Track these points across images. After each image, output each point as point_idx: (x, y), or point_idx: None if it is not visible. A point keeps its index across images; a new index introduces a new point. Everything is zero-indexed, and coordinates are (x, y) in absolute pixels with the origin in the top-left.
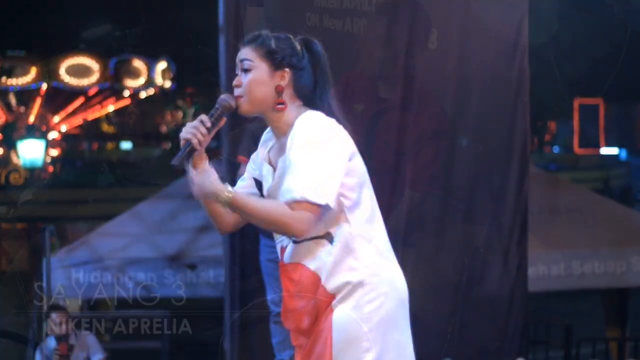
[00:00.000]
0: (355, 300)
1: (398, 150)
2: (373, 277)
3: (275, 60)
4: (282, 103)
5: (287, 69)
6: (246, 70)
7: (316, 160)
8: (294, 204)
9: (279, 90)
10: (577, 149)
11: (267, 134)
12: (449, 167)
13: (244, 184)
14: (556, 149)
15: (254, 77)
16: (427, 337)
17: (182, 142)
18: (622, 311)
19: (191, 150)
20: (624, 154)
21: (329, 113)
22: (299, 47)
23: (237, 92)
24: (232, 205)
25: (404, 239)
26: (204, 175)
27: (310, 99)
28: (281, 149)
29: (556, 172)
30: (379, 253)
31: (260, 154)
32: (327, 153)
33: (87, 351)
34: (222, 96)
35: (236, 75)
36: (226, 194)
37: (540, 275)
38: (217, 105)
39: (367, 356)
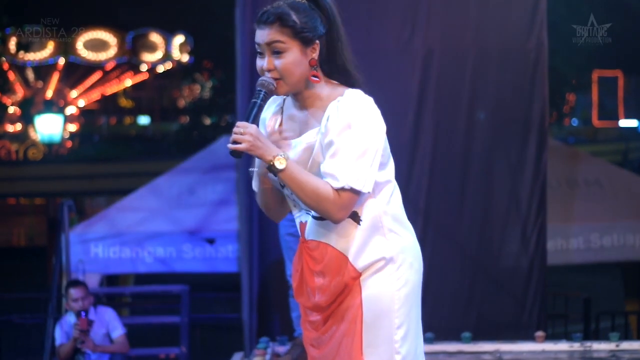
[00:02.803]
0: (385, 277)
1: (417, 123)
2: (401, 252)
3: (306, 38)
4: (317, 76)
5: (317, 42)
6: (278, 53)
7: (362, 148)
8: (339, 190)
9: (312, 65)
10: (595, 122)
11: (275, 105)
12: (467, 139)
13: None
14: (575, 122)
15: (291, 60)
16: (446, 310)
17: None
18: None
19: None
20: None
21: (344, 69)
22: (315, 13)
23: (271, 75)
24: (286, 169)
25: (425, 213)
26: (262, 135)
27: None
28: (307, 122)
29: (575, 144)
30: (402, 225)
31: (269, 125)
32: (371, 140)
33: (106, 326)
34: (263, 79)
35: (259, 53)
36: (282, 156)
37: (559, 248)
38: (259, 88)
39: (399, 332)
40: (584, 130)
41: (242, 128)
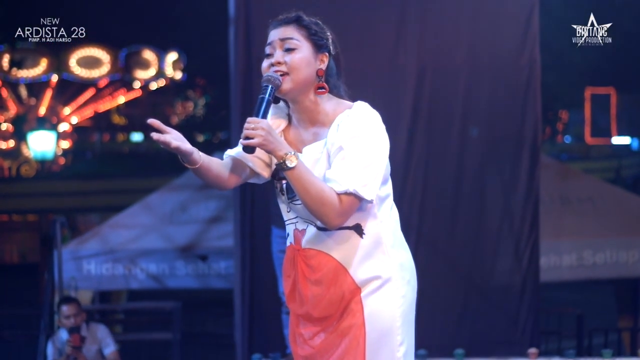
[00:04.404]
0: (386, 294)
1: (410, 140)
2: (400, 270)
3: (318, 43)
4: (323, 87)
5: (326, 53)
6: (290, 50)
7: (370, 158)
8: (342, 194)
9: (319, 75)
10: (588, 139)
11: (276, 120)
12: (460, 156)
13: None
14: (567, 139)
15: (302, 57)
16: (438, 327)
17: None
18: (634, 301)
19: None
20: (635, 144)
21: (344, 94)
22: (327, 32)
23: (277, 68)
24: (295, 168)
25: (417, 229)
26: (273, 131)
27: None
28: (314, 138)
29: (567, 161)
30: (400, 241)
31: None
32: (378, 152)
33: (99, 343)
34: (268, 74)
35: (267, 55)
36: (293, 154)
37: (551, 265)
38: (266, 84)
39: (401, 349)
40: (577, 147)
41: (254, 123)
